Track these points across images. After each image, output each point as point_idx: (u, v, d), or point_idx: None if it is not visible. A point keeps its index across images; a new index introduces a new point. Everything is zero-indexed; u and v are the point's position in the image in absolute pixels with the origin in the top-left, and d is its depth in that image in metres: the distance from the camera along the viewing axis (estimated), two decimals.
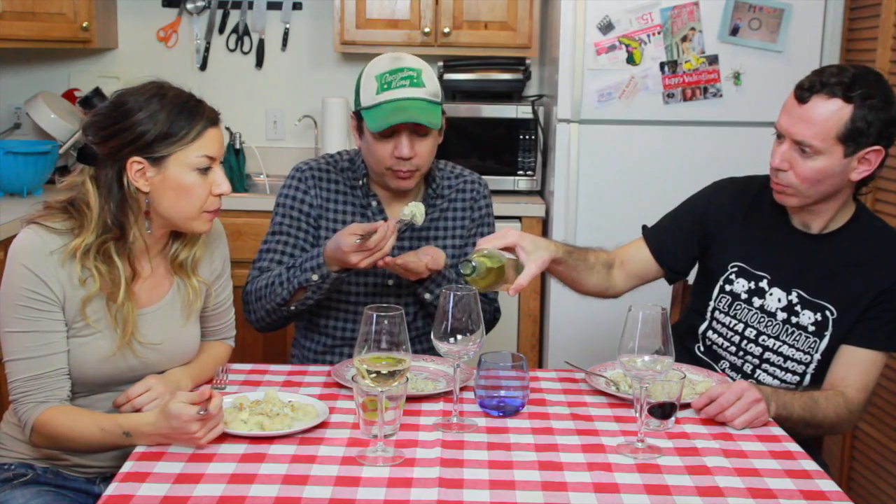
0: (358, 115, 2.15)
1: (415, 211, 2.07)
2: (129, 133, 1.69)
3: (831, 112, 1.88)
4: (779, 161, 1.95)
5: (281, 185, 2.26)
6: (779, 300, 2.04)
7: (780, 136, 1.97)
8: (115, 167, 1.72)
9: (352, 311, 2.22)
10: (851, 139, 1.88)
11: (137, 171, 1.71)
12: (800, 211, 2.03)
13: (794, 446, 1.69)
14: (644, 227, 2.25)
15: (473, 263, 1.80)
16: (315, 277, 2.04)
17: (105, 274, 1.73)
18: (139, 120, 1.69)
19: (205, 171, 1.75)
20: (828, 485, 1.54)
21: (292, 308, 2.12)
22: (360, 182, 2.22)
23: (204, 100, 1.78)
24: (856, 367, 1.97)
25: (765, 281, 2.06)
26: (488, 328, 2.26)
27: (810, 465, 1.62)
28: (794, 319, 2.03)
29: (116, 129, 1.70)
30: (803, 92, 1.91)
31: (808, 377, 2.03)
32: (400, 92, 2.08)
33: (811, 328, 2.01)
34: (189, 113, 1.72)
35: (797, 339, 2.03)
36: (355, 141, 2.21)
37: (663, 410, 1.74)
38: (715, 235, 2.14)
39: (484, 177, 2.37)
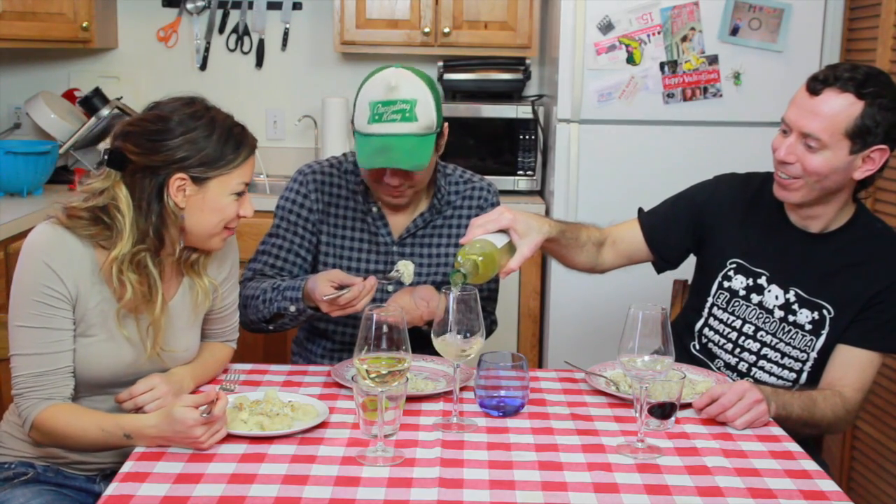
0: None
1: (403, 271, 2.06)
2: (180, 150, 1.72)
3: (842, 106, 1.88)
4: (785, 153, 1.94)
5: (284, 187, 2.26)
6: (776, 298, 2.04)
7: (785, 131, 1.96)
8: (156, 180, 1.72)
9: (353, 316, 2.20)
10: (859, 136, 1.88)
11: (178, 188, 1.73)
12: (798, 209, 2.03)
13: (794, 446, 1.69)
14: (640, 210, 2.24)
15: (462, 271, 1.78)
16: (292, 309, 2.04)
17: (136, 285, 1.73)
18: (192, 139, 1.72)
19: (239, 194, 1.79)
20: (828, 485, 1.54)
21: (271, 328, 2.13)
22: (362, 187, 2.21)
23: (246, 127, 1.83)
24: (853, 367, 1.97)
25: (763, 278, 2.06)
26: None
27: (810, 465, 1.62)
28: (791, 318, 2.03)
29: (166, 144, 1.71)
30: (816, 84, 1.91)
31: (804, 375, 2.04)
32: (389, 127, 2.03)
33: (808, 327, 2.01)
34: (237, 141, 1.78)
35: (794, 337, 2.03)
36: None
37: (663, 410, 1.74)
38: (712, 230, 2.14)
39: (483, 177, 2.36)
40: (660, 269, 2.24)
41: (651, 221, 2.20)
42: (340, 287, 1.93)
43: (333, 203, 2.22)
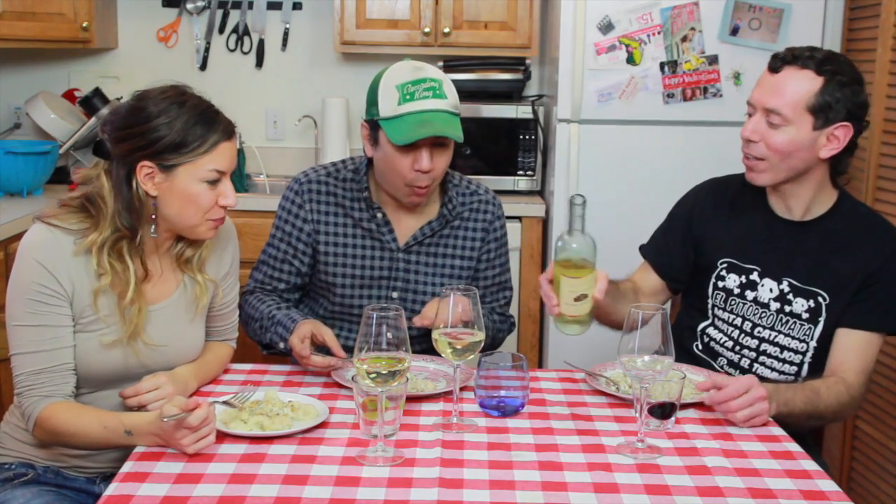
0: (372, 125, 2.09)
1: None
2: (143, 138, 1.71)
3: (802, 82, 1.92)
4: (749, 132, 1.98)
5: (281, 196, 2.24)
6: (770, 290, 2.05)
7: (751, 113, 2.01)
8: (126, 168, 1.73)
9: (356, 324, 2.19)
10: (821, 111, 1.92)
11: (146, 175, 1.73)
12: (774, 193, 2.05)
13: (794, 446, 1.69)
14: (641, 247, 2.26)
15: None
16: (281, 346, 2.04)
17: (119, 272, 1.74)
18: (155, 126, 1.70)
19: (213, 182, 1.75)
20: (828, 485, 1.54)
21: (265, 353, 2.16)
22: (364, 194, 2.17)
23: (221, 111, 1.78)
24: (853, 350, 1.98)
25: (755, 273, 2.07)
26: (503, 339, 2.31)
27: (810, 465, 1.62)
28: (787, 308, 2.04)
29: (132, 132, 1.72)
30: (776, 62, 1.97)
31: (805, 367, 2.04)
32: (424, 103, 2.02)
33: (805, 315, 2.02)
34: (205, 125, 1.73)
35: (792, 327, 2.03)
36: (367, 151, 2.15)
37: (663, 410, 1.74)
38: (703, 235, 2.16)
39: (484, 177, 2.36)
40: (677, 291, 2.27)
41: (654, 253, 2.23)
42: (317, 346, 1.94)
43: (332, 212, 2.19)
